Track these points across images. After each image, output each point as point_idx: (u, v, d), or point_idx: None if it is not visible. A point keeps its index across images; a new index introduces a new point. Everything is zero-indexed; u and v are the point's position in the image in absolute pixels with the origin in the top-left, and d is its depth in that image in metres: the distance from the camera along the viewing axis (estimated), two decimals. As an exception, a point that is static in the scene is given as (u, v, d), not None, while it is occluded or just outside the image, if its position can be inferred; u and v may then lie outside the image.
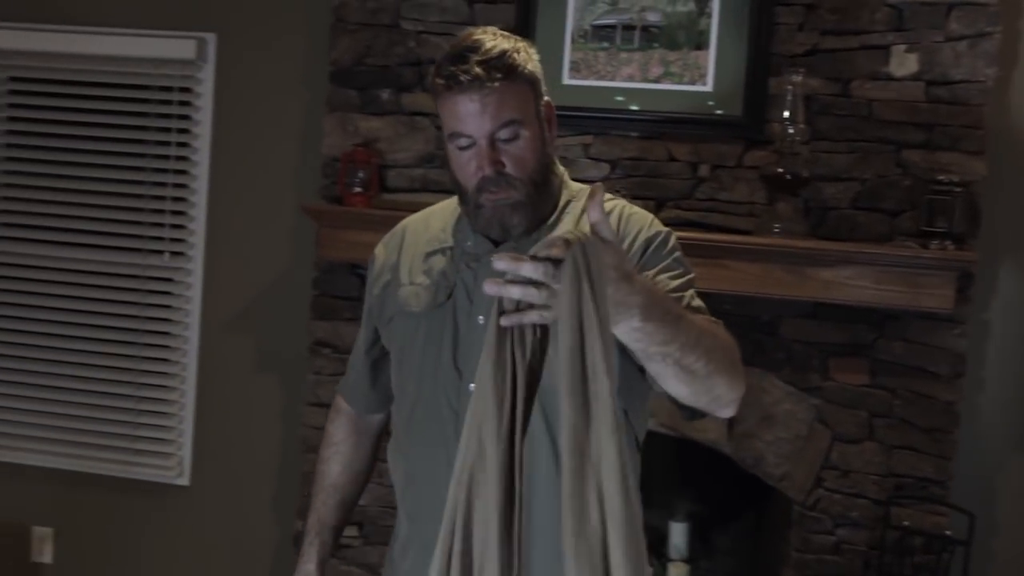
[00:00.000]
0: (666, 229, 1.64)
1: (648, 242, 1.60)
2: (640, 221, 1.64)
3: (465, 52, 1.53)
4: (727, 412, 1.50)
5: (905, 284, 2.67)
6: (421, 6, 3.07)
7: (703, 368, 1.37)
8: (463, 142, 1.56)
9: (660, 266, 1.57)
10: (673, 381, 1.39)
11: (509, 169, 1.54)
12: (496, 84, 1.51)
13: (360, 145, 3.08)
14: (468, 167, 1.56)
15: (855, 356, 2.83)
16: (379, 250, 1.79)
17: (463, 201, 1.62)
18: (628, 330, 1.26)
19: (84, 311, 3.53)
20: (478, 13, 3.04)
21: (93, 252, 3.52)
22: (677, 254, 1.61)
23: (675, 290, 1.53)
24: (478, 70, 1.50)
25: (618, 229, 1.59)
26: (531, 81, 1.57)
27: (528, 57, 1.58)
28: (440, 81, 1.54)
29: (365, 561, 3.11)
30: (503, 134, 1.54)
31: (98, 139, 3.50)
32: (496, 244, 1.60)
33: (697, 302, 1.56)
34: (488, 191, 1.55)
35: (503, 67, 1.52)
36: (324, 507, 1.89)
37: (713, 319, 1.51)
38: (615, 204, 1.66)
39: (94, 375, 3.53)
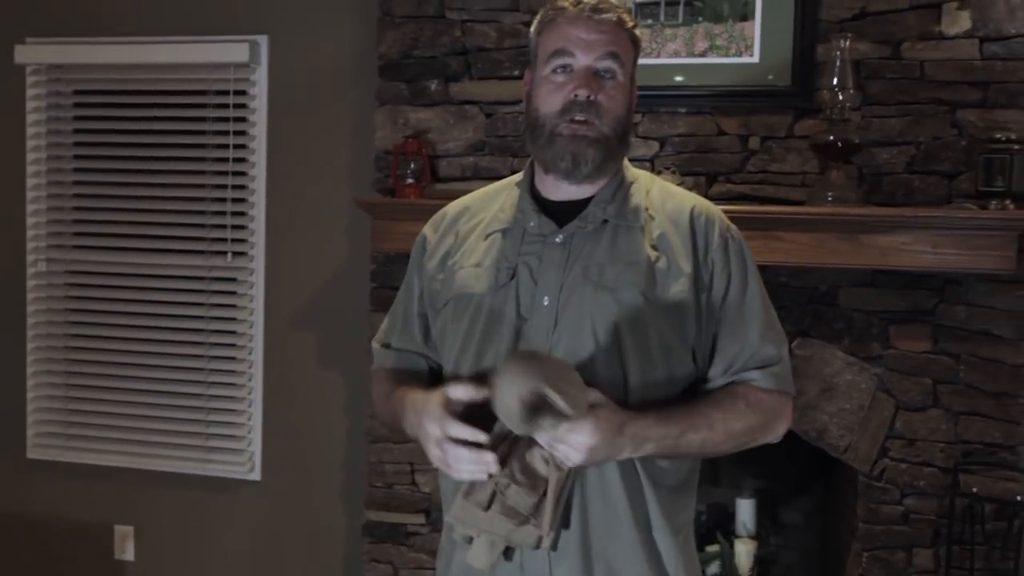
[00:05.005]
0: (736, 229, 1.66)
1: (727, 248, 1.62)
2: (714, 216, 1.65)
3: None
4: (772, 441, 1.66)
5: (964, 246, 2.62)
6: (465, -5, 3.10)
7: (716, 451, 1.58)
8: (565, 60, 1.58)
9: (743, 283, 1.61)
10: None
11: (601, 99, 1.57)
12: (613, 18, 1.59)
13: (411, 137, 3.10)
14: (559, 91, 1.58)
15: (916, 323, 2.78)
16: (428, 231, 1.75)
17: (535, 136, 1.61)
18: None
19: (153, 314, 3.62)
20: (522, 0, 3.05)
21: (159, 256, 3.61)
22: (752, 263, 1.65)
23: (752, 315, 1.61)
24: (595, 3, 1.59)
25: (691, 228, 1.61)
26: (634, 41, 1.63)
27: (634, 23, 1.65)
28: (561, 5, 1.60)
29: (432, 548, 3.14)
30: (604, 65, 1.58)
31: (160, 146, 3.59)
32: (560, 225, 1.59)
33: (775, 328, 1.63)
34: (573, 117, 1.56)
35: (616, 14, 1.60)
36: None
37: (778, 356, 1.62)
38: (683, 196, 1.67)
39: (165, 376, 3.62)
